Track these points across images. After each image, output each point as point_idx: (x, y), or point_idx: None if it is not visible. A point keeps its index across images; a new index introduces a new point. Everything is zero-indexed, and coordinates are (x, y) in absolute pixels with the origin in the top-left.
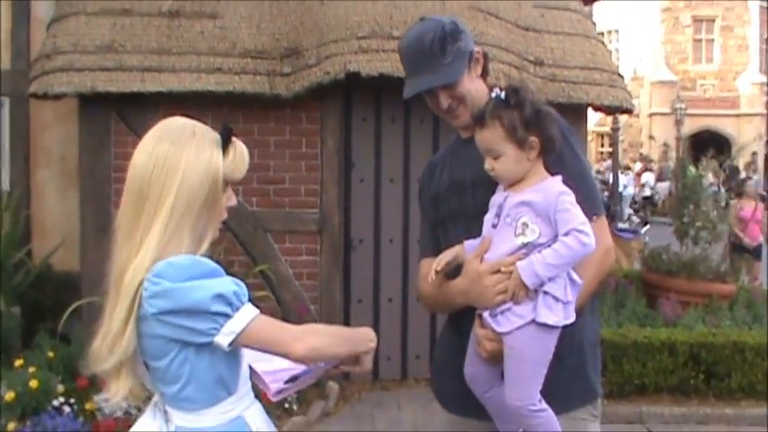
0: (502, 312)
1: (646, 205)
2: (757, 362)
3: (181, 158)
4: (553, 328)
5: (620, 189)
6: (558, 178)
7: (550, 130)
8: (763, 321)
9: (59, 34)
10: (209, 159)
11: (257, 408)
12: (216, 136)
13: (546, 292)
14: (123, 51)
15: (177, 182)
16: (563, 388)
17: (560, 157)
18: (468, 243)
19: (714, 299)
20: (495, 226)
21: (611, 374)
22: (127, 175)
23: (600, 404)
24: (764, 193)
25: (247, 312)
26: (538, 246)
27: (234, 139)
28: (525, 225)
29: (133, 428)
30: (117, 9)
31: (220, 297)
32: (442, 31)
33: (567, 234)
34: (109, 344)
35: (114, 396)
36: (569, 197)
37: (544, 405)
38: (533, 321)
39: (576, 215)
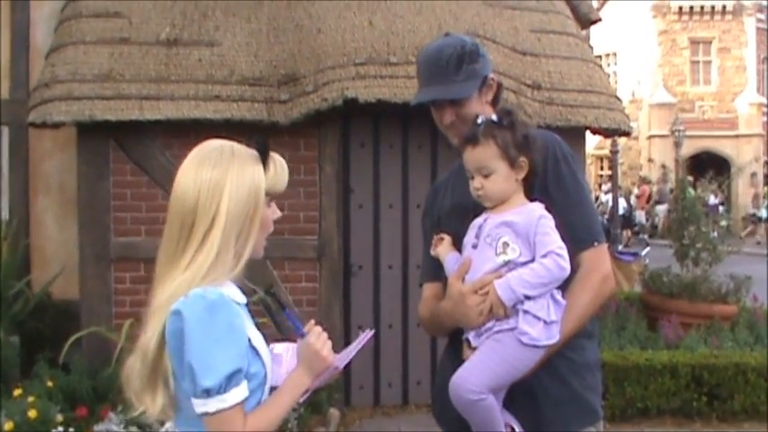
0: (486, 331)
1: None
2: (760, 383)
3: (225, 180)
4: (533, 346)
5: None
6: (539, 204)
7: (536, 154)
8: (765, 342)
9: (58, 63)
10: (252, 176)
11: None
12: (254, 152)
13: (526, 311)
14: (121, 80)
15: (225, 203)
16: (565, 409)
17: (561, 182)
18: (452, 258)
19: (715, 320)
20: (475, 247)
21: (613, 398)
22: (170, 203)
23: (602, 426)
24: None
25: (225, 400)
26: (519, 264)
27: (273, 154)
28: (506, 244)
29: None
30: (115, 38)
31: (214, 374)
32: (461, 50)
33: (545, 256)
34: (142, 359)
35: (152, 411)
36: (549, 221)
37: (489, 397)
38: (514, 330)
39: (555, 239)
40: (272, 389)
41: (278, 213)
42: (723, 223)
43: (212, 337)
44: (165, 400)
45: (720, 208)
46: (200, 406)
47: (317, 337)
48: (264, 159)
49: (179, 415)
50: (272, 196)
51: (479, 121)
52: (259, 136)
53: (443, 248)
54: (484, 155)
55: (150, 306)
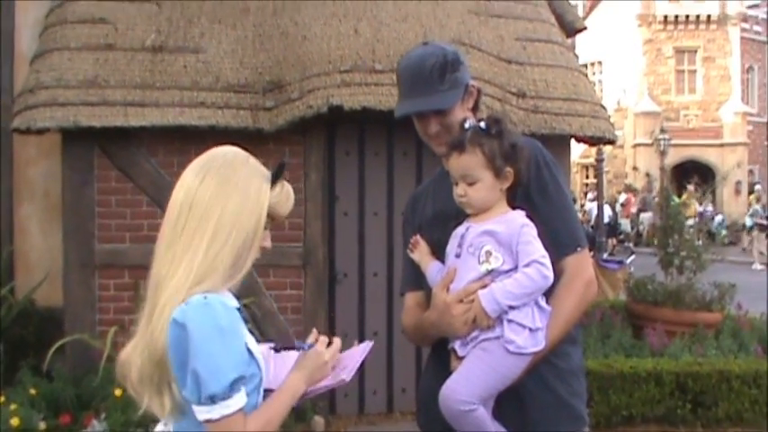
0: (471, 340)
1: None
2: (744, 390)
3: (230, 182)
4: (520, 354)
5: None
6: (521, 212)
7: (522, 165)
8: (750, 349)
9: (43, 69)
10: (258, 189)
11: None
12: (265, 170)
13: (510, 320)
14: (106, 86)
15: (222, 205)
16: (552, 416)
17: (544, 189)
18: (434, 267)
19: (700, 328)
20: (458, 256)
21: (598, 405)
22: (171, 202)
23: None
24: (764, 222)
25: (229, 406)
26: (502, 273)
27: (283, 180)
28: (489, 253)
29: None
30: (100, 44)
31: (221, 380)
32: (443, 59)
33: (527, 265)
34: (149, 358)
35: (161, 414)
36: (532, 230)
37: (479, 408)
38: (500, 338)
39: (538, 248)
40: (265, 392)
41: (268, 242)
42: (723, 233)
43: (217, 343)
44: (172, 403)
45: (719, 217)
46: (204, 413)
47: (323, 347)
48: (275, 180)
49: (181, 418)
50: (271, 219)
51: (467, 125)
52: (282, 160)
53: (421, 254)
54: (469, 163)
55: (150, 305)
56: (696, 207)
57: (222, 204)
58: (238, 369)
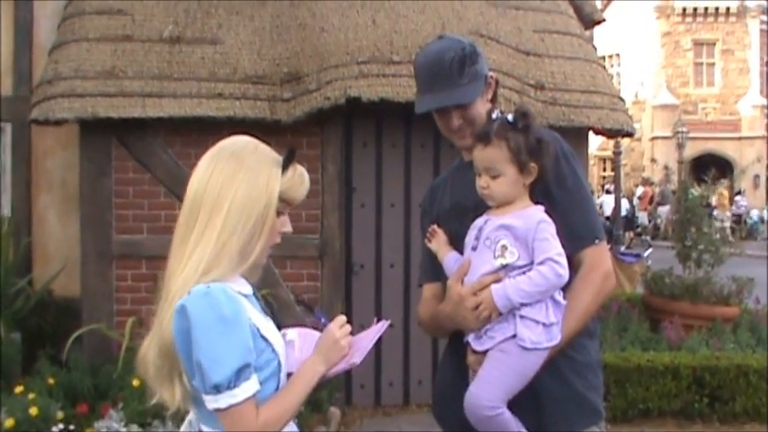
0: (485, 332)
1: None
2: (761, 385)
3: (238, 169)
4: (535, 349)
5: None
6: (541, 207)
7: (546, 161)
8: (767, 344)
9: (61, 60)
10: (267, 175)
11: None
12: (277, 156)
13: (522, 316)
14: (124, 77)
15: (232, 194)
16: (568, 409)
17: (562, 181)
18: (451, 258)
19: (717, 322)
20: (474, 249)
21: (615, 399)
22: (187, 187)
23: (604, 425)
24: None
25: (236, 395)
26: (516, 268)
27: (296, 164)
28: (504, 247)
29: None
30: (118, 35)
31: (223, 370)
32: (462, 52)
33: (542, 263)
34: (158, 349)
35: (171, 403)
36: (550, 226)
37: (504, 411)
38: (514, 337)
39: (554, 245)
40: (289, 375)
41: (288, 227)
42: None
43: (218, 332)
44: (182, 393)
45: (755, 212)
46: (211, 402)
47: (338, 327)
48: (286, 165)
49: (201, 409)
50: (286, 204)
51: (494, 116)
52: (293, 146)
53: (438, 244)
54: (494, 156)
55: (162, 297)
56: (727, 203)
57: (232, 194)
58: (241, 358)
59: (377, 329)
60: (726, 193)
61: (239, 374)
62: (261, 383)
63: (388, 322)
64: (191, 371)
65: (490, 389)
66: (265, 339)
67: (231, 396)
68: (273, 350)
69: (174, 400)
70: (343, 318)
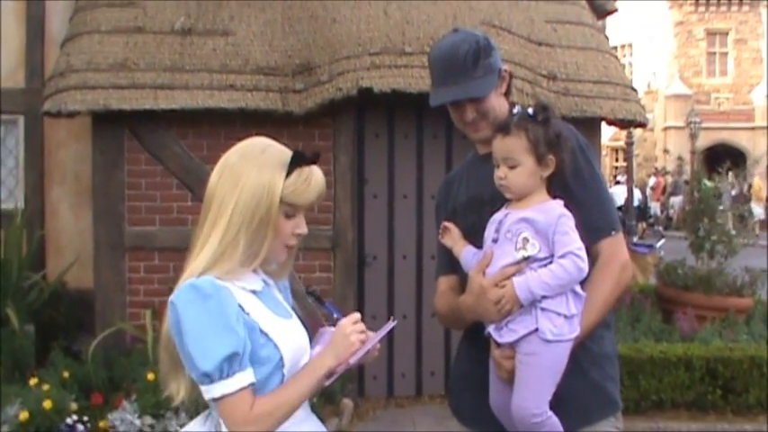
0: (506, 324)
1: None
2: None
3: (243, 172)
4: (558, 341)
5: (636, 203)
6: (560, 202)
7: (565, 155)
8: None
9: (73, 53)
10: (269, 178)
11: (309, 425)
12: (287, 158)
13: (544, 309)
14: (136, 69)
15: (236, 196)
16: (585, 400)
17: (578, 173)
18: (468, 252)
19: (731, 313)
20: (495, 241)
21: (628, 390)
22: None
23: (621, 416)
24: None
25: (229, 385)
26: (538, 260)
27: (309, 166)
28: (526, 240)
29: (184, 429)
30: (130, 27)
31: (211, 358)
32: (476, 45)
33: (563, 256)
34: (164, 345)
35: (176, 395)
36: (570, 221)
37: (550, 413)
38: (536, 331)
39: (575, 239)
40: None
41: (302, 228)
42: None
43: (204, 323)
44: (188, 386)
45: None
46: (206, 392)
47: (351, 322)
48: (292, 167)
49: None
50: (295, 207)
51: (515, 110)
52: (301, 146)
53: (452, 239)
54: (513, 146)
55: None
56: (763, 195)
57: (236, 196)
58: (228, 347)
59: (382, 331)
60: (761, 183)
61: (230, 364)
62: (263, 378)
63: (394, 323)
64: (186, 362)
65: (533, 396)
66: (266, 335)
67: (225, 386)
68: (276, 346)
69: (180, 393)
70: (357, 315)
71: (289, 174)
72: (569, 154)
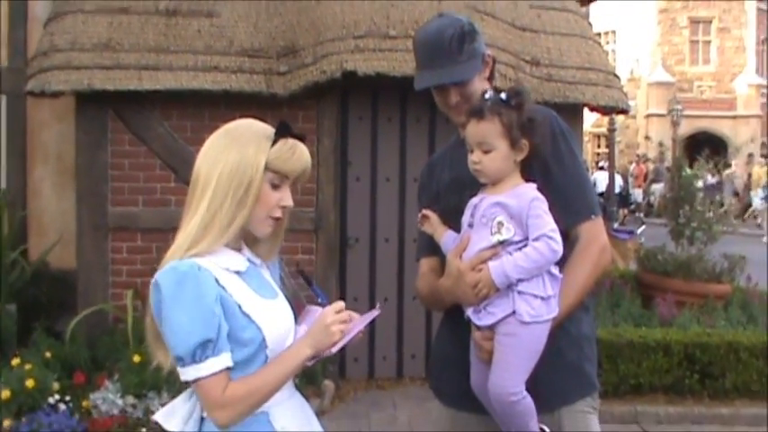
0: (484, 307)
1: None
2: (752, 362)
3: (227, 147)
4: (536, 323)
5: (617, 190)
6: (533, 185)
7: (539, 139)
8: (758, 321)
9: (57, 32)
10: (256, 147)
11: (292, 404)
12: (272, 132)
13: (521, 292)
14: (120, 50)
15: (221, 166)
16: (563, 381)
17: (559, 158)
18: (449, 237)
19: (709, 299)
20: (471, 225)
21: (607, 374)
22: None
23: (597, 397)
24: None
25: (201, 369)
26: (513, 243)
27: (292, 138)
28: (501, 224)
29: (165, 407)
30: (114, 7)
31: (184, 343)
32: (461, 30)
33: (537, 239)
34: (151, 317)
35: (165, 364)
36: (543, 203)
37: (525, 394)
38: (514, 314)
39: (548, 222)
40: None
41: (287, 201)
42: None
43: (179, 307)
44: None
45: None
46: (181, 374)
47: (333, 312)
48: (278, 138)
49: None
50: (282, 176)
51: (487, 96)
52: (284, 120)
53: (432, 225)
54: (487, 131)
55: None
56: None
57: (221, 167)
58: (201, 333)
59: (364, 319)
60: (761, 172)
61: (203, 349)
62: (246, 359)
63: (379, 311)
64: (166, 342)
65: (510, 376)
66: (248, 316)
67: (196, 370)
68: (258, 327)
69: (168, 360)
70: (341, 304)
71: (274, 144)
72: (543, 138)
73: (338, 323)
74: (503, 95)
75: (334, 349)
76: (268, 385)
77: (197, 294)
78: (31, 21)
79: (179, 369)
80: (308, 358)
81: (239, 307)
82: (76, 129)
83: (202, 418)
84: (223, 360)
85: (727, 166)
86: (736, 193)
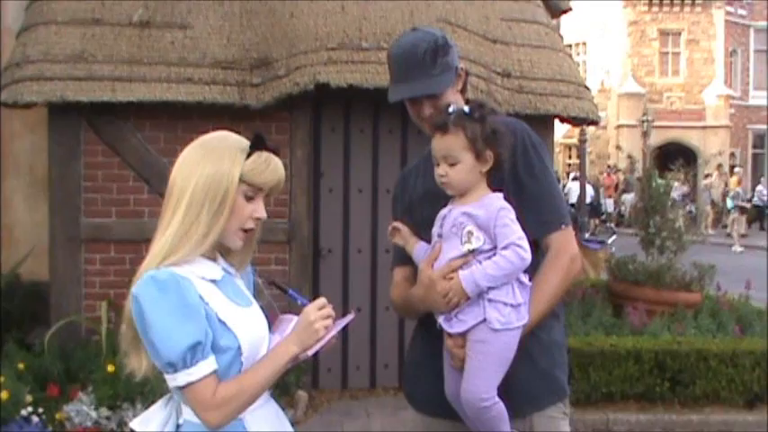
0: (456, 315)
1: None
2: (721, 369)
3: (202, 159)
4: (507, 329)
5: (588, 200)
6: (500, 194)
7: (503, 150)
8: (728, 329)
9: (29, 43)
10: (231, 160)
11: (267, 410)
12: (246, 145)
13: (491, 300)
14: (94, 61)
15: (196, 178)
16: (535, 387)
17: (530, 169)
18: (420, 248)
19: (680, 308)
20: (440, 236)
21: (579, 382)
22: None
23: (569, 403)
24: (744, 205)
25: (192, 374)
26: (483, 252)
27: (267, 152)
28: (470, 233)
29: (141, 415)
30: (87, 18)
31: (174, 349)
32: (435, 44)
33: (506, 248)
34: (128, 323)
35: (139, 370)
36: (510, 213)
37: (497, 400)
38: (485, 321)
39: (515, 230)
40: None
41: (260, 212)
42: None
43: (165, 314)
44: (150, 360)
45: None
46: (171, 381)
47: (316, 308)
48: (252, 150)
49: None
50: (257, 189)
51: (451, 109)
52: (259, 131)
53: (403, 237)
54: (452, 144)
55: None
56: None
57: (195, 179)
58: (192, 336)
59: (340, 323)
60: (736, 181)
61: (193, 353)
62: (223, 367)
63: (353, 316)
64: (150, 352)
65: (482, 382)
66: (224, 324)
67: (187, 374)
68: (234, 335)
69: (141, 367)
70: (323, 300)
71: (249, 156)
72: (508, 148)
73: (321, 319)
74: (465, 109)
75: (310, 352)
76: (257, 384)
77: (181, 299)
78: (3, 31)
79: (168, 377)
80: (295, 356)
81: (216, 315)
82: (49, 140)
83: (178, 425)
84: (211, 362)
85: (708, 176)
86: (713, 203)
